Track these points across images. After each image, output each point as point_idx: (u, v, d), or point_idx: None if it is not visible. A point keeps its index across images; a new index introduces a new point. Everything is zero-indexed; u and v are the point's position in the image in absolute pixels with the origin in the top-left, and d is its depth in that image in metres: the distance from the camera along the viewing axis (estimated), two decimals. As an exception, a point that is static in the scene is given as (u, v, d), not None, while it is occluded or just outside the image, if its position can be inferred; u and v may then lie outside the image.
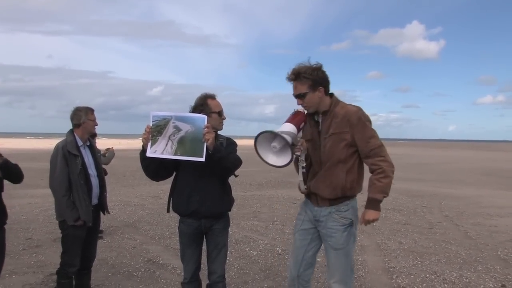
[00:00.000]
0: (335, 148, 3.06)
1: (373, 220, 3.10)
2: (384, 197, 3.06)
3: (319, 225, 3.22)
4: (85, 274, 4.31)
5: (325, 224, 3.17)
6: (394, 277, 5.42)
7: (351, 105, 3.15)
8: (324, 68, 3.12)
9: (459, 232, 8.09)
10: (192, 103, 3.47)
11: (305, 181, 3.27)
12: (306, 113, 3.23)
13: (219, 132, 3.47)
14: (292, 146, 2.99)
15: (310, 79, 3.04)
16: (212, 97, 3.46)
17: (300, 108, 3.18)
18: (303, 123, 3.14)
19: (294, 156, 3.03)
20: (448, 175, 20.78)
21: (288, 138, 2.90)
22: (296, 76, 3.07)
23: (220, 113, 3.44)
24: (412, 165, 28.01)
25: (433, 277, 5.43)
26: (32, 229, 7.82)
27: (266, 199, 11.75)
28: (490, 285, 5.18)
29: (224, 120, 3.49)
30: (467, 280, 5.33)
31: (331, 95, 3.19)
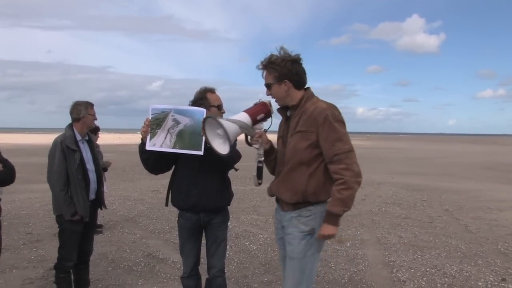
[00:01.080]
0: (298, 148, 2.79)
1: (329, 236, 2.78)
2: (345, 211, 2.71)
3: (284, 231, 2.97)
4: (83, 269, 4.30)
5: (286, 229, 2.92)
6: (394, 271, 5.41)
7: (324, 101, 2.85)
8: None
9: (459, 226, 8.09)
10: (192, 98, 3.46)
11: (259, 176, 3.06)
12: (278, 108, 3.02)
13: None
14: (250, 137, 2.91)
15: (276, 70, 2.83)
16: (212, 91, 3.45)
17: (267, 99, 2.99)
18: (262, 115, 2.93)
19: (230, 150, 2.87)
20: (448, 169, 20.77)
21: (232, 128, 2.76)
22: (264, 66, 2.89)
23: (219, 107, 3.42)
24: (412, 159, 28.03)
25: (433, 271, 5.43)
26: (32, 223, 7.83)
27: (266, 193, 11.71)
28: (491, 278, 5.18)
29: (223, 114, 3.47)
30: (467, 274, 5.33)
31: (307, 89, 2.94)
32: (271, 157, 3.05)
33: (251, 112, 2.89)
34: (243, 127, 2.82)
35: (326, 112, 2.73)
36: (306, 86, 2.95)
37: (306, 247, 2.82)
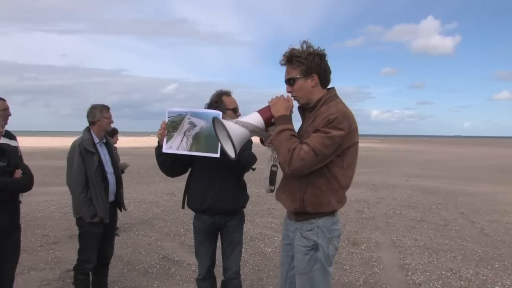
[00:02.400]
0: None
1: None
2: (272, 121, 2.58)
3: (290, 241, 2.81)
4: (102, 272, 4.34)
5: (292, 241, 2.75)
6: (409, 274, 5.39)
7: (340, 106, 2.58)
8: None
9: (475, 229, 8.02)
10: (206, 101, 3.50)
11: (271, 181, 2.85)
12: (298, 106, 2.78)
13: None
14: (265, 136, 2.71)
15: (303, 64, 2.59)
16: (228, 94, 3.48)
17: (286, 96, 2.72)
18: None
19: (235, 153, 2.58)
20: (464, 172, 20.57)
21: (238, 132, 2.53)
22: (288, 59, 2.64)
23: (235, 110, 3.44)
24: (427, 162, 27.81)
25: (449, 274, 5.39)
26: (49, 226, 7.92)
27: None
28: (508, 282, 5.13)
29: (239, 117, 3.48)
30: (484, 277, 5.28)
31: (330, 90, 2.71)
32: None
33: (264, 112, 2.65)
34: (254, 131, 2.62)
35: (330, 116, 2.48)
36: (330, 86, 2.73)
37: (311, 262, 2.63)
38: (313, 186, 2.57)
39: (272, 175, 2.84)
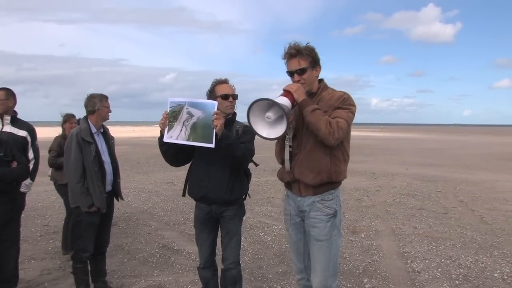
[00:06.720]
0: None
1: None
2: (303, 105, 2.81)
3: (304, 216, 3.08)
4: (100, 259, 4.36)
5: (308, 214, 3.03)
6: (409, 261, 5.40)
7: (339, 90, 3.02)
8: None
9: (474, 217, 8.03)
10: (205, 90, 3.51)
11: (290, 160, 3.08)
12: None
13: (237, 119, 3.49)
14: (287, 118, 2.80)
15: (310, 56, 2.95)
16: (220, 82, 3.46)
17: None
18: (295, 102, 2.87)
19: (287, 128, 2.75)
20: (463, 160, 20.57)
21: (285, 107, 2.70)
22: (298, 51, 2.94)
23: (225, 97, 3.39)
24: (426, 150, 27.82)
25: (448, 261, 5.41)
26: (49, 216, 7.94)
27: (280, 185, 11.69)
28: (507, 270, 5.14)
29: (231, 104, 3.41)
30: (483, 265, 5.30)
31: (320, 80, 3.09)
32: (293, 142, 3.06)
33: (289, 97, 2.83)
34: (288, 112, 2.75)
35: (343, 96, 2.93)
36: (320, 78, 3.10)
37: (331, 228, 2.99)
38: (334, 157, 2.94)
39: (291, 156, 3.08)
